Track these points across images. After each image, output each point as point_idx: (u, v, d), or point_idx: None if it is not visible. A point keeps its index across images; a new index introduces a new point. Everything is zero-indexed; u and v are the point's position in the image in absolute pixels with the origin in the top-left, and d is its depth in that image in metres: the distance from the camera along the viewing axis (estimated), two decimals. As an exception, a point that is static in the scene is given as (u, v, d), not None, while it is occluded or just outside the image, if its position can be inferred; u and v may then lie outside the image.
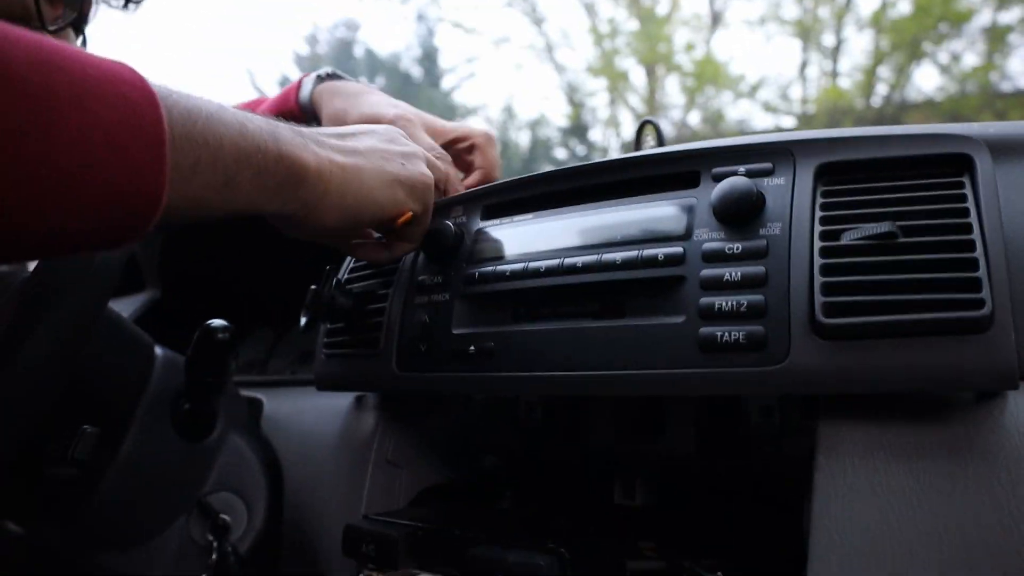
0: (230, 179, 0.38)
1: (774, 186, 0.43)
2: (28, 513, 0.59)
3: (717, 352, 0.40)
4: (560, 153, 11.33)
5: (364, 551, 0.47)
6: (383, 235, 0.54)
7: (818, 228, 0.40)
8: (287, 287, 0.96)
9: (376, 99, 0.69)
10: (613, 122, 10.82)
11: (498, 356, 0.47)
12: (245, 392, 0.73)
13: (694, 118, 10.22)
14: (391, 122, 0.64)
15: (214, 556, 0.60)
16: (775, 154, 0.44)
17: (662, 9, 10.23)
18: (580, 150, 11.14)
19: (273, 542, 0.63)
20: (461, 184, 0.64)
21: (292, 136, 0.42)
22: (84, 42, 0.57)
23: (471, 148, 0.71)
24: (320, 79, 0.75)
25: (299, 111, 0.75)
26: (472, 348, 0.48)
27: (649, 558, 0.50)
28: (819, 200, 0.42)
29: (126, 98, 0.32)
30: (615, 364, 0.43)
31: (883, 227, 0.38)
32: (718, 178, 0.45)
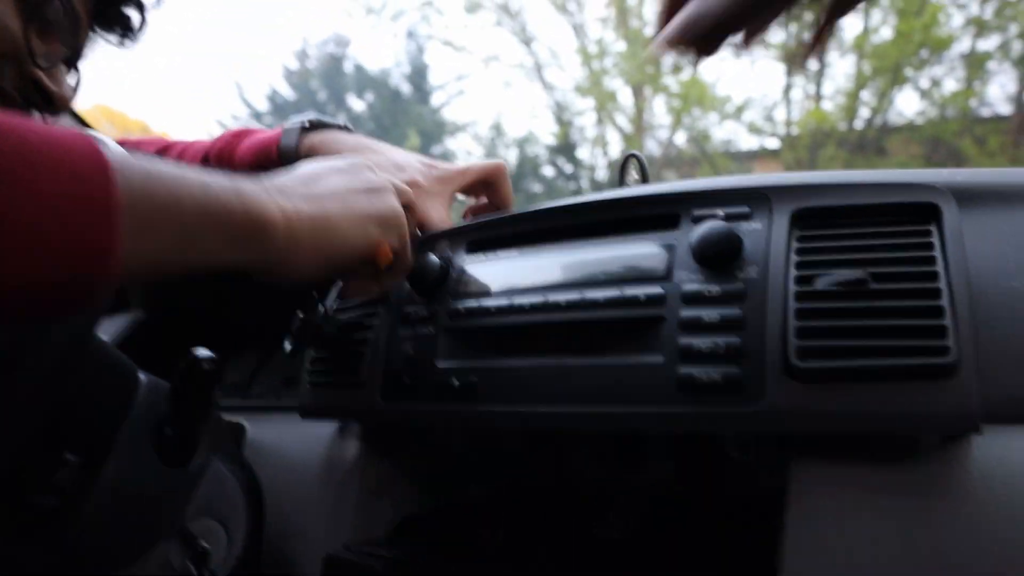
0: (192, 236, 0.39)
1: (751, 230, 0.44)
2: (3, 538, 0.59)
3: (695, 392, 0.41)
4: (548, 171, 11.41)
5: (345, 583, 0.48)
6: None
7: (793, 272, 0.42)
8: (272, 311, 0.96)
9: (379, 160, 0.67)
10: (600, 141, 10.91)
11: (482, 390, 0.48)
12: (227, 417, 0.73)
13: (680, 138, 10.34)
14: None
15: (194, 584, 0.59)
16: (752, 199, 0.46)
17: (650, 31, 10.34)
18: (567, 168, 11.22)
19: (253, 570, 0.63)
20: (446, 221, 0.64)
21: (257, 189, 0.43)
22: (79, 79, 0.58)
23: (486, 184, 0.70)
24: (305, 129, 0.72)
25: (280, 164, 0.72)
26: (456, 382, 0.49)
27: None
28: (794, 245, 0.43)
29: (74, 170, 0.33)
30: (596, 401, 0.44)
31: (855, 274, 0.40)
32: (697, 220, 0.46)
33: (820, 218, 0.44)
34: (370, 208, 0.49)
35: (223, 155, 0.79)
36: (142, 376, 0.63)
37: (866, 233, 0.42)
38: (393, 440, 0.60)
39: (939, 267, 0.39)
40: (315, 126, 0.73)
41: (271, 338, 0.96)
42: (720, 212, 0.46)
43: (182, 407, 0.56)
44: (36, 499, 0.53)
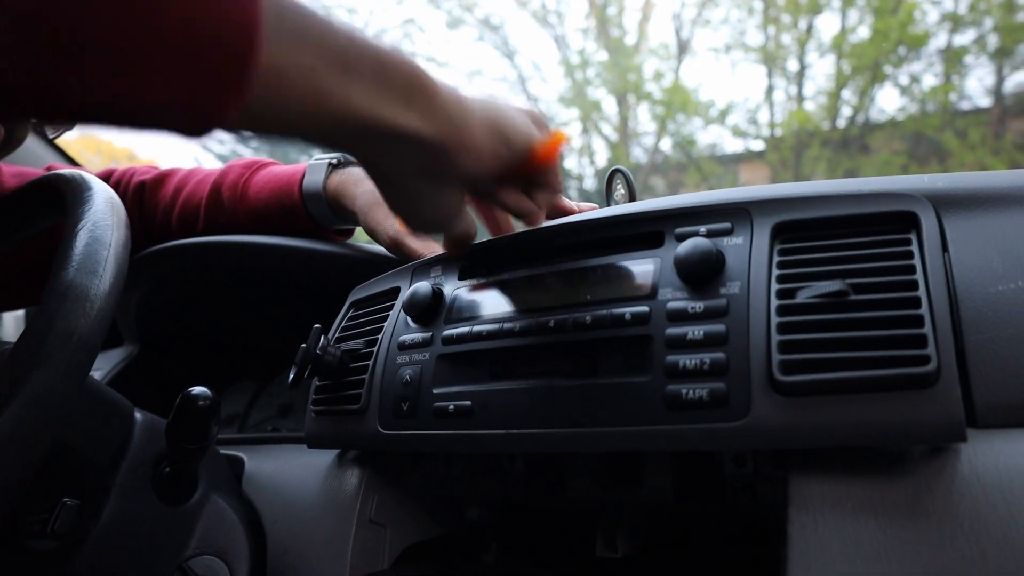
0: (348, 64, 0.32)
1: (733, 245, 0.45)
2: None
3: (682, 409, 0.41)
4: (536, 182, 11.40)
5: (349, 615, 0.48)
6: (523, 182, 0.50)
7: (775, 286, 0.42)
8: (267, 341, 0.96)
9: None
10: (587, 151, 10.96)
11: (476, 414, 0.49)
12: (225, 450, 0.73)
13: (666, 144, 10.41)
14: None
15: (197, 622, 0.59)
16: (733, 214, 0.47)
17: (630, 40, 10.46)
18: (556, 178, 11.22)
19: (257, 604, 0.63)
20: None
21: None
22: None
23: None
24: (332, 166, 0.72)
25: (301, 202, 0.72)
26: (451, 407, 0.50)
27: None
28: (775, 258, 0.44)
29: None
30: (588, 421, 0.44)
31: (835, 285, 0.40)
32: (681, 238, 0.47)
33: (801, 230, 0.45)
34: (522, 109, 0.46)
35: (235, 187, 0.78)
36: (138, 415, 0.63)
37: (846, 244, 0.43)
38: (394, 468, 0.60)
39: (918, 276, 0.40)
40: (342, 164, 0.73)
41: (265, 367, 0.96)
42: (702, 229, 0.47)
43: (179, 446, 0.56)
44: (34, 544, 0.53)
